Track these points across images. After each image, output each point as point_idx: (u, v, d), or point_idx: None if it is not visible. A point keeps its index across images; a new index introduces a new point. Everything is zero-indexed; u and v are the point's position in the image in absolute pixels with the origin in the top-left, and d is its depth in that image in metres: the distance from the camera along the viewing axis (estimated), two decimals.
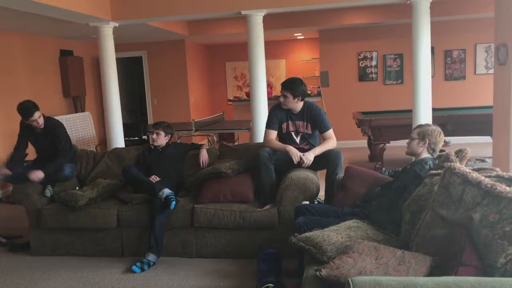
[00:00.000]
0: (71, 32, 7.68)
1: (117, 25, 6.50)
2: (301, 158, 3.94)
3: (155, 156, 4.55)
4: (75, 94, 8.64)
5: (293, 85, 4.11)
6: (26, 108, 4.29)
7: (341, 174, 3.92)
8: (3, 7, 4.94)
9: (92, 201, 4.15)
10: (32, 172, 4.20)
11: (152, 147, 4.62)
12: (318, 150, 4.03)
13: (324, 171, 4.07)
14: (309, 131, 4.19)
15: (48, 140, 4.43)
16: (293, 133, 4.19)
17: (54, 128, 4.43)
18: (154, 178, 4.30)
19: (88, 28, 6.51)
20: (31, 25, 6.77)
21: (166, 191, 3.96)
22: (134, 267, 3.81)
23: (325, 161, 3.99)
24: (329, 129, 4.20)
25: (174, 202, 3.88)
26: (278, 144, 4.14)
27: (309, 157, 3.95)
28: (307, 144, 4.19)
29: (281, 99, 4.16)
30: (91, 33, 7.03)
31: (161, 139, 4.54)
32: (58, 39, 8.46)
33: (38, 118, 4.32)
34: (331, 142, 4.12)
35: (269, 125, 4.24)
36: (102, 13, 6.11)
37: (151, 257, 3.89)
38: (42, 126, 4.41)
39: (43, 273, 3.90)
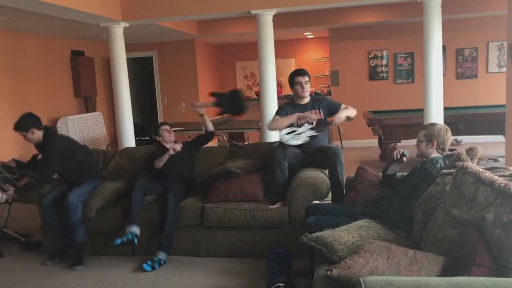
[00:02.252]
0: (82, 32, 7.74)
1: (127, 25, 6.53)
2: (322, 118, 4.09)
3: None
4: (86, 94, 8.71)
5: (306, 70, 4.32)
6: (19, 121, 4.18)
7: (342, 170, 3.92)
8: (16, 9, 4.99)
9: (101, 209, 4.15)
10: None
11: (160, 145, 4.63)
12: (345, 113, 4.18)
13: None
14: (322, 117, 4.26)
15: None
16: (306, 123, 4.17)
17: (47, 143, 4.21)
18: (174, 150, 4.33)
19: (99, 28, 6.55)
20: (43, 26, 6.83)
21: (134, 230, 3.92)
22: (145, 266, 3.83)
23: (324, 158, 4.01)
24: (340, 105, 4.33)
25: (119, 241, 3.85)
26: (284, 118, 4.15)
27: (341, 116, 4.11)
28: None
29: (304, 87, 4.22)
30: (102, 33, 7.07)
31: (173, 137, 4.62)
32: (69, 39, 8.53)
33: (25, 135, 4.17)
34: (350, 108, 4.27)
35: (279, 113, 4.28)
36: (112, 14, 6.14)
37: (162, 255, 3.91)
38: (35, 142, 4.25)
39: (55, 271, 3.93)
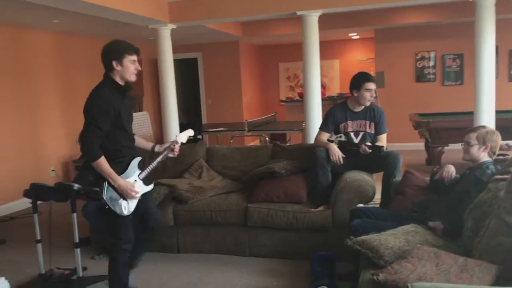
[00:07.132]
0: (130, 34, 7.95)
1: (174, 27, 6.67)
2: (360, 147, 3.89)
3: None
4: (133, 94, 8.94)
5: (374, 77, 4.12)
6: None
7: (399, 177, 3.82)
8: (68, 11, 5.19)
9: None
10: None
11: None
12: (380, 143, 4.05)
13: (380, 174, 4.00)
14: (372, 131, 4.14)
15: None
16: (352, 133, 4.12)
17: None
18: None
19: (147, 30, 6.72)
20: (93, 28, 7.07)
21: None
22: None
23: (383, 163, 3.91)
24: (385, 133, 4.19)
25: None
26: (322, 142, 4.12)
27: (367, 150, 3.89)
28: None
29: (373, 95, 4.04)
30: (149, 35, 7.25)
31: None
32: None
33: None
34: (382, 143, 4.11)
35: (322, 127, 4.23)
36: (161, 16, 6.29)
37: None
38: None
39: (101, 265, 4.05)
